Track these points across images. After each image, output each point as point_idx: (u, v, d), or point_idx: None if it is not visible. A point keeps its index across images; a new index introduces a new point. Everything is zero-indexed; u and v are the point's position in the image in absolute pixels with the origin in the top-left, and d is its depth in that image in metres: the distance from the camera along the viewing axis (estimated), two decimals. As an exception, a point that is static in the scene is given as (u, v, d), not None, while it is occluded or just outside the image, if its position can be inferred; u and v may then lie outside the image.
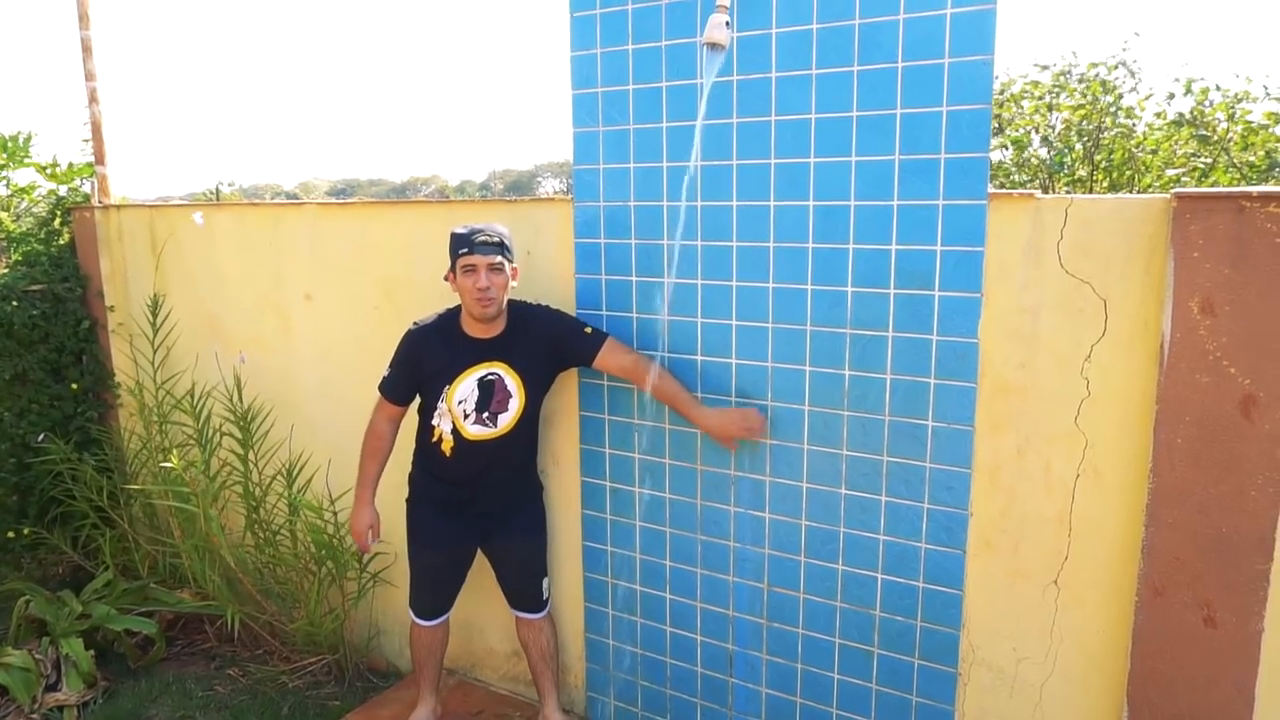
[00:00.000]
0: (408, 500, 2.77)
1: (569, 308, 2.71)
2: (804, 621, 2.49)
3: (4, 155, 3.99)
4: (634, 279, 2.58)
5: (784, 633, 2.52)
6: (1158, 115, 5.76)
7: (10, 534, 3.70)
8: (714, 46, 2.09)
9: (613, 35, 2.49)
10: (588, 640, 2.92)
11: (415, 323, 2.62)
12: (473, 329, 2.54)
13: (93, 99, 3.92)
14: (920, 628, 2.32)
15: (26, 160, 4.00)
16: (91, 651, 3.27)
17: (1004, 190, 2.19)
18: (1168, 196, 1.87)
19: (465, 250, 2.43)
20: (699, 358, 2.51)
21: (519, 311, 2.59)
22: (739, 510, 2.53)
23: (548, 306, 2.63)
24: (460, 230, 2.47)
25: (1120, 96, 5.80)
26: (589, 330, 2.55)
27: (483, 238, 2.44)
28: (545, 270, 2.76)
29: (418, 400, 2.66)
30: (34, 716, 3.07)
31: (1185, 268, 1.86)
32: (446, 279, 2.55)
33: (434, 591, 2.81)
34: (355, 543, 2.79)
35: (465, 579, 2.84)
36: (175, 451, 3.27)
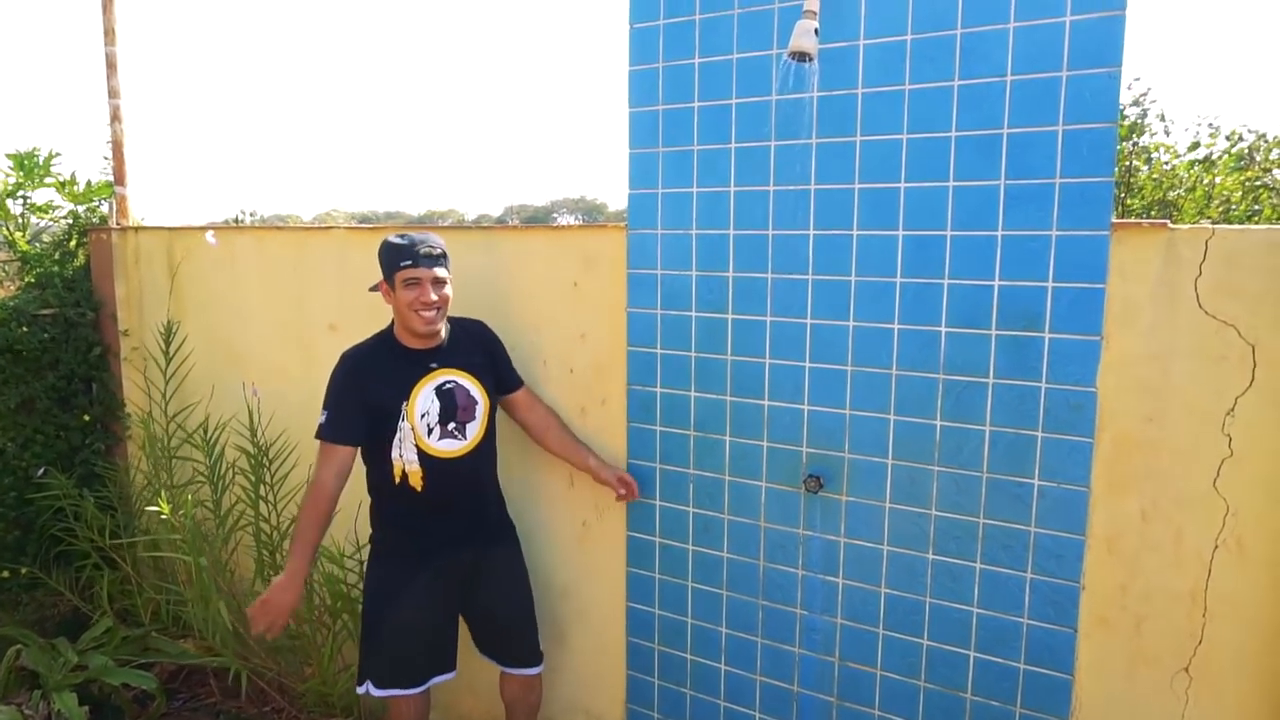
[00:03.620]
0: (371, 564, 2.43)
1: (618, 345, 2.48)
2: (880, 702, 2.21)
3: (22, 174, 3.82)
4: (694, 314, 2.35)
5: (857, 713, 2.24)
6: (1190, 148, 5.50)
7: (6, 574, 3.45)
8: (801, 57, 1.87)
9: (678, 48, 2.28)
10: (629, 711, 2.63)
11: (346, 350, 2.42)
12: (412, 343, 2.37)
13: (115, 117, 3.75)
14: (1020, 715, 2.03)
15: (46, 180, 3.82)
16: (86, 707, 2.99)
17: (1130, 220, 1.95)
18: (1329, 229, 1.63)
19: (408, 263, 2.28)
20: (765, 402, 2.26)
21: (454, 322, 2.47)
22: (808, 574, 2.26)
23: (482, 322, 2.55)
24: (398, 240, 2.32)
25: (1148, 132, 5.57)
26: (514, 367, 2.54)
27: (426, 249, 2.30)
28: (593, 303, 2.53)
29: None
30: (19, 780, 2.80)
31: (1355, 311, 1.61)
32: (378, 290, 2.40)
33: (423, 652, 2.40)
34: (261, 627, 2.28)
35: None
36: (162, 494, 3.02)
